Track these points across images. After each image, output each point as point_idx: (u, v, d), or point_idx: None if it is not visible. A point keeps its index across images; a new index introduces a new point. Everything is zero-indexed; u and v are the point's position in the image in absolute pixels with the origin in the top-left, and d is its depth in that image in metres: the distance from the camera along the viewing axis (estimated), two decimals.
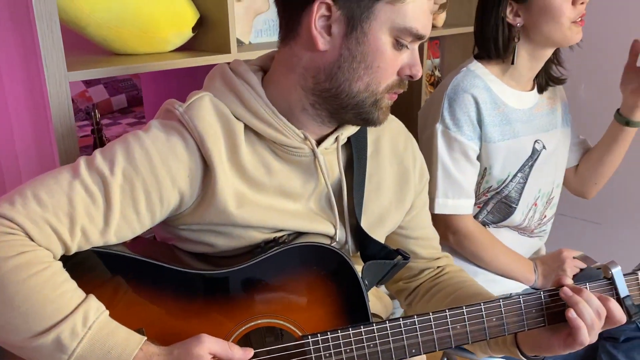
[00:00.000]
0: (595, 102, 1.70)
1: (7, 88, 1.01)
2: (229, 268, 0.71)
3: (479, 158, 1.21)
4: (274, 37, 1.48)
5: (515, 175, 1.24)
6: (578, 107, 1.74)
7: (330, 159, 0.80)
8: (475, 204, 1.26)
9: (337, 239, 0.81)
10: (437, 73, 1.98)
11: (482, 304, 0.75)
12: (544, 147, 1.26)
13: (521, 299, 0.76)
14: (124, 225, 0.70)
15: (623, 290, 0.76)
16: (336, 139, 0.80)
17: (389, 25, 0.71)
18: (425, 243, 0.97)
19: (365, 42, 0.72)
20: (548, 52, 1.21)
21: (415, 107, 1.70)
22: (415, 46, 0.75)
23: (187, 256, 0.78)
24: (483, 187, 1.24)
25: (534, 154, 1.25)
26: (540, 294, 0.76)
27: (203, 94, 0.75)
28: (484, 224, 1.28)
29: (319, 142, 0.79)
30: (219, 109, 0.75)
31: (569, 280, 0.77)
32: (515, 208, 1.26)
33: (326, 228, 0.80)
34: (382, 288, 1.01)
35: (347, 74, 0.72)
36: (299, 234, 0.78)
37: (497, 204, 1.26)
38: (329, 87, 0.74)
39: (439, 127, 1.18)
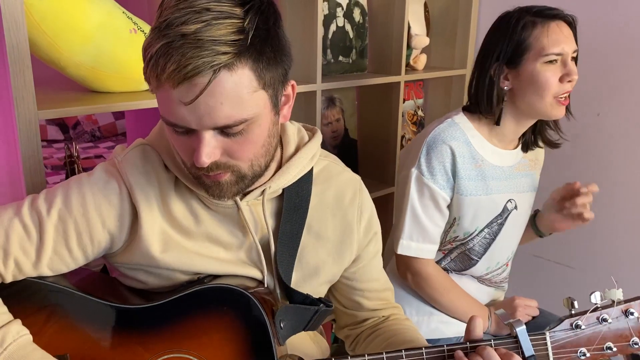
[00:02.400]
0: (570, 148, 1.73)
1: None
2: (149, 304, 0.78)
3: (449, 207, 1.24)
4: None
5: (482, 230, 1.26)
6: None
7: (259, 210, 0.84)
8: (440, 249, 1.29)
9: (266, 284, 0.85)
10: (420, 113, 2.04)
11: (403, 351, 0.78)
12: (515, 207, 1.29)
13: (424, 350, 0.78)
14: (57, 259, 0.77)
15: (528, 349, 0.78)
16: (262, 192, 0.83)
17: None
18: (372, 295, 0.98)
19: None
20: (531, 121, 1.24)
21: (391, 143, 1.76)
22: (192, 136, 0.70)
23: (124, 290, 0.84)
24: (450, 235, 1.27)
25: (504, 213, 1.27)
26: (444, 346, 0.79)
27: (141, 145, 0.82)
28: (446, 270, 1.31)
29: (246, 194, 0.83)
30: (152, 161, 0.81)
31: (478, 333, 0.80)
32: (477, 261, 1.28)
33: (255, 274, 0.84)
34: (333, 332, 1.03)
35: None
36: (222, 276, 0.82)
37: (460, 255, 1.29)
38: None
39: (414, 171, 1.21)
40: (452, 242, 1.28)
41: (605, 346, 0.79)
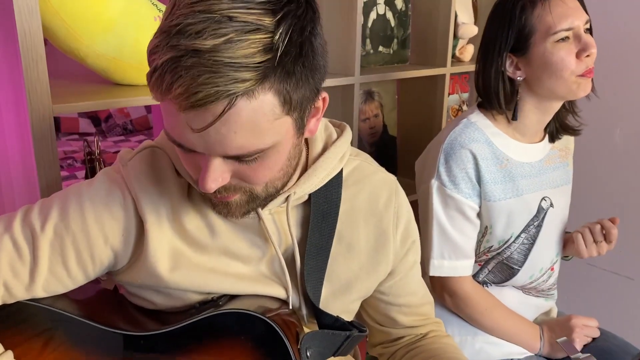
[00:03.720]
0: (633, 147, 1.58)
1: (4, 117, 1.02)
2: (156, 331, 0.68)
3: (479, 216, 1.12)
4: None
5: (518, 236, 1.15)
6: (612, 153, 1.62)
7: (282, 218, 0.75)
8: (475, 261, 1.17)
9: (291, 305, 0.75)
10: (465, 108, 1.90)
11: None
12: (551, 204, 1.17)
13: None
14: (53, 280, 0.68)
15: None
16: (287, 198, 0.73)
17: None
18: (409, 310, 0.88)
19: None
20: (556, 105, 1.12)
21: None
22: (200, 156, 0.60)
23: (131, 310, 0.75)
24: (484, 246, 1.16)
25: (540, 213, 1.16)
26: None
27: (149, 147, 0.73)
28: (485, 283, 1.19)
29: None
30: (161, 166, 0.71)
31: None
32: (519, 270, 1.16)
33: (278, 292, 0.75)
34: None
35: None
36: (241, 295, 0.73)
37: (498, 265, 1.18)
38: None
39: (434, 183, 1.10)
40: (487, 252, 1.16)
41: None
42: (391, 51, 1.60)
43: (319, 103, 0.65)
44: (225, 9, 0.53)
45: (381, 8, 1.53)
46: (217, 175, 0.60)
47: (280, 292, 0.75)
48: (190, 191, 0.72)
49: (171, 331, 0.68)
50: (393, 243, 0.81)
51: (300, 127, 0.63)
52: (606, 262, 1.73)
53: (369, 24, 1.52)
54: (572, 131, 1.20)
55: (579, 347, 1.12)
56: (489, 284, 1.19)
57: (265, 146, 0.59)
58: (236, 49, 0.52)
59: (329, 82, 1.33)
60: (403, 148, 1.73)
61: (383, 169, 0.84)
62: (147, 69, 1.08)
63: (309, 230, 0.74)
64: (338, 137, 0.78)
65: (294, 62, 0.55)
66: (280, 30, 0.54)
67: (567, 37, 1.03)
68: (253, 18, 0.53)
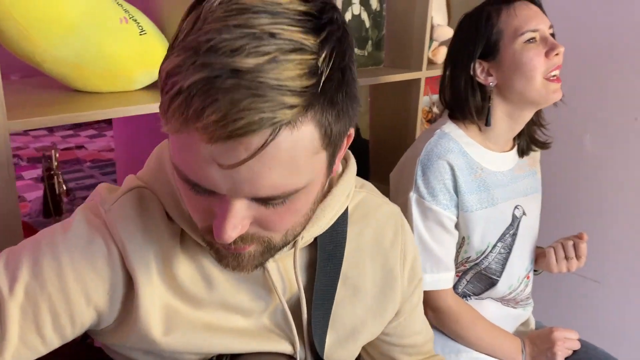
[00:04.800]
0: (603, 153, 1.60)
1: None
2: None
3: (456, 227, 1.11)
4: None
5: (495, 246, 1.14)
6: (583, 160, 1.64)
7: (287, 264, 0.68)
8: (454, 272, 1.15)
9: (298, 358, 0.69)
10: (435, 109, 1.88)
11: None
12: (524, 213, 1.17)
13: None
14: (24, 350, 0.58)
15: None
16: (294, 243, 0.65)
17: (171, 160, 0.52)
18: (413, 350, 0.83)
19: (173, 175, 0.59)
20: (527, 113, 1.12)
21: (408, 145, 1.60)
22: (217, 199, 0.51)
23: None
24: (462, 257, 1.14)
25: (514, 221, 1.16)
26: None
27: (133, 187, 0.63)
28: (465, 295, 1.18)
29: None
30: (150, 210, 0.62)
31: None
32: (498, 280, 1.16)
33: (283, 347, 0.68)
34: None
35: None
36: (243, 355, 0.66)
37: (476, 275, 1.16)
38: None
39: (412, 195, 1.08)
40: (465, 263, 1.15)
41: None
42: (366, 53, 1.54)
43: (348, 139, 0.58)
44: (265, 24, 0.45)
45: (356, 8, 1.47)
46: (238, 221, 0.50)
47: (286, 347, 0.68)
48: (182, 239, 0.63)
49: None
50: (401, 282, 0.75)
51: (331, 164, 0.55)
52: None
53: None
54: (542, 145, 1.21)
55: (561, 359, 1.12)
56: (469, 297, 1.18)
57: (301, 186, 0.51)
58: (282, 70, 0.44)
59: None
60: (375, 152, 1.69)
61: (387, 199, 0.79)
62: (113, 75, 1.01)
63: (316, 275, 0.68)
64: (344, 169, 0.71)
65: (337, 90, 0.48)
66: (325, 53, 0.47)
67: (534, 39, 1.05)
68: (297, 36, 0.46)
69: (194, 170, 0.49)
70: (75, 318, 0.59)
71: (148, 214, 0.61)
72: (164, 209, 0.62)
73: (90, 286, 0.59)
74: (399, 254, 0.75)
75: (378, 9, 1.53)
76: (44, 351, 0.60)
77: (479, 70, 1.09)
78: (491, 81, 1.09)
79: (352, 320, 0.72)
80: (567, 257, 1.15)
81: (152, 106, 1.00)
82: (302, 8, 0.47)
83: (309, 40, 0.46)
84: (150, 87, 1.09)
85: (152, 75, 1.07)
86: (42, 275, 0.58)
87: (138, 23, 1.03)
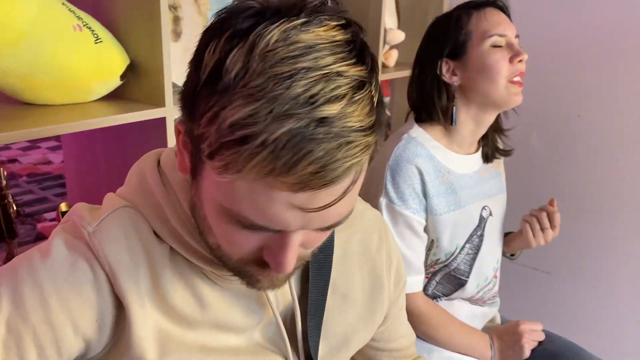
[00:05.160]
0: (550, 150, 1.67)
1: None
2: None
3: (425, 230, 1.13)
4: None
5: (463, 247, 1.16)
6: (530, 158, 1.70)
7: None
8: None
9: None
10: (387, 112, 1.90)
11: None
12: (490, 213, 1.20)
13: None
14: None
15: None
16: None
17: (216, 193, 0.50)
18: (399, 354, 0.83)
19: (202, 199, 0.53)
20: (489, 117, 1.15)
21: None
22: (272, 234, 0.50)
23: None
24: (431, 259, 1.16)
25: (481, 222, 1.19)
26: None
27: (119, 207, 0.59)
28: (435, 296, 1.20)
29: None
30: (137, 228, 0.58)
31: None
32: (466, 281, 1.18)
33: None
34: None
35: (200, 223, 0.55)
36: None
37: (445, 276, 1.19)
38: (198, 227, 0.57)
39: (383, 201, 1.09)
40: (434, 265, 1.17)
41: None
42: None
43: None
44: (332, 64, 0.44)
45: None
46: (296, 250, 0.51)
47: None
48: (172, 257, 0.60)
49: None
50: (387, 287, 0.75)
51: None
52: (525, 257, 1.82)
53: None
54: (504, 152, 1.25)
55: (527, 352, 1.16)
56: (439, 298, 1.20)
57: (352, 211, 0.52)
58: (359, 110, 0.45)
59: None
60: None
61: (369, 205, 0.78)
62: (68, 86, 0.96)
63: (310, 285, 0.67)
64: None
65: (383, 115, 0.49)
66: (374, 81, 0.47)
67: (500, 44, 1.08)
68: (355, 71, 0.45)
69: (263, 214, 0.47)
70: (62, 350, 0.55)
71: (135, 234, 0.58)
72: (151, 228, 0.59)
73: (77, 314, 0.55)
74: (384, 258, 0.75)
75: None
76: None
77: (445, 69, 1.11)
78: (455, 80, 1.11)
79: (343, 328, 0.71)
80: (542, 229, 1.19)
81: (111, 118, 0.96)
82: (345, 37, 0.47)
83: (363, 71, 0.46)
84: (106, 97, 1.04)
85: (109, 85, 1.02)
86: (24, 305, 0.54)
87: (93, 31, 0.98)
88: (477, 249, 1.18)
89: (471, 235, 1.17)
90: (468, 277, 1.18)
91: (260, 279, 0.56)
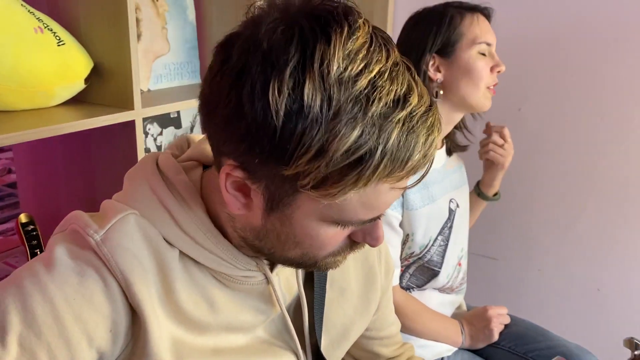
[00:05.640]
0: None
1: None
2: None
3: (401, 225, 1.16)
4: (175, 82, 1.32)
5: (435, 239, 1.21)
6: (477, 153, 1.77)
7: (288, 274, 0.67)
8: None
9: None
10: None
11: None
12: (457, 205, 1.25)
13: None
14: None
15: None
16: None
17: (318, 214, 0.53)
18: (390, 341, 0.86)
19: (289, 225, 0.54)
20: (458, 116, 1.20)
21: None
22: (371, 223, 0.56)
23: None
24: (405, 253, 1.19)
25: (451, 215, 1.23)
26: None
27: (126, 214, 0.57)
28: (409, 287, 1.23)
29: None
30: (146, 235, 0.56)
31: None
32: (439, 271, 1.22)
33: (286, 357, 0.66)
34: None
35: (276, 243, 0.57)
36: None
37: (419, 268, 1.22)
38: (259, 246, 0.58)
39: None
40: (408, 258, 1.21)
41: None
42: None
43: None
44: (386, 59, 0.49)
45: None
46: None
47: (288, 357, 0.66)
48: (182, 260, 0.58)
49: None
50: (380, 277, 0.77)
51: None
52: (473, 246, 1.90)
53: None
54: (462, 148, 1.30)
55: (496, 335, 1.22)
56: (412, 289, 1.23)
57: None
58: (419, 90, 0.51)
59: None
60: None
61: None
62: (30, 91, 0.92)
63: (315, 279, 0.68)
64: None
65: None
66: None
67: (484, 53, 1.13)
68: (394, 55, 0.50)
69: (376, 209, 0.53)
70: None
71: (145, 241, 0.56)
72: (160, 234, 0.57)
73: (91, 327, 0.53)
74: (375, 250, 0.77)
75: None
76: None
77: (430, 64, 1.13)
78: (439, 78, 1.13)
79: (342, 320, 0.73)
80: (503, 147, 1.28)
81: (79, 123, 0.92)
82: (370, 29, 0.50)
83: (395, 53, 0.51)
84: (68, 102, 1.00)
85: (73, 89, 0.97)
86: (36, 322, 0.51)
87: (54, 33, 0.93)
88: (447, 240, 1.23)
89: (442, 228, 1.21)
90: (440, 267, 1.22)
91: (331, 263, 0.60)
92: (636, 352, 0.74)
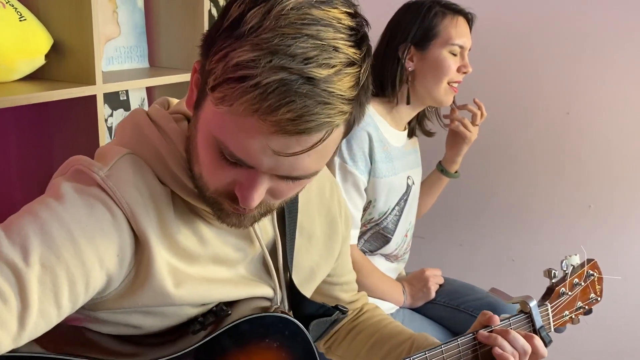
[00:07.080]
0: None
1: None
2: (175, 353, 0.63)
3: (365, 191, 1.27)
4: (126, 65, 1.35)
5: (393, 209, 1.33)
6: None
7: (265, 220, 0.74)
8: None
9: (279, 300, 0.76)
10: None
11: (426, 352, 0.77)
12: (413, 182, 1.38)
13: (459, 341, 0.79)
14: (42, 323, 0.55)
15: (538, 322, 0.83)
16: None
17: (210, 125, 0.57)
18: (348, 287, 0.94)
19: (196, 132, 0.60)
20: (422, 107, 1.34)
21: None
22: (245, 171, 0.58)
23: (109, 341, 0.66)
24: (365, 218, 1.30)
25: (407, 189, 1.36)
26: (472, 335, 0.80)
27: (124, 153, 0.64)
28: (362, 252, 1.34)
29: None
30: (143, 173, 0.63)
31: (496, 320, 0.82)
32: (391, 238, 1.34)
33: (264, 291, 0.75)
34: None
35: (191, 159, 0.63)
36: (235, 302, 0.71)
37: (373, 234, 1.33)
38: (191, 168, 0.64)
39: (336, 160, 1.22)
40: (366, 224, 1.33)
41: (577, 306, 0.90)
42: None
43: None
44: (331, 39, 0.53)
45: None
46: (262, 191, 0.58)
47: (266, 291, 0.75)
48: (173, 200, 0.65)
49: (196, 349, 0.63)
50: (340, 227, 0.86)
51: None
52: None
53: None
54: (428, 134, 1.43)
55: (433, 293, 1.35)
56: (365, 253, 1.34)
57: (321, 168, 0.60)
58: (343, 81, 0.53)
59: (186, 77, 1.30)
60: None
61: None
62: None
63: (286, 226, 0.76)
64: None
65: (366, 96, 0.58)
66: (365, 65, 0.56)
67: (455, 53, 1.25)
68: (351, 51, 0.54)
69: (242, 148, 0.55)
70: (89, 284, 0.58)
71: (142, 178, 0.63)
72: (154, 172, 0.64)
73: (102, 250, 0.59)
74: (336, 202, 0.86)
75: None
76: (55, 322, 0.57)
77: (406, 53, 1.25)
78: (410, 66, 1.26)
79: (309, 263, 0.82)
80: (474, 123, 1.40)
81: (33, 96, 0.93)
82: (351, 23, 0.55)
83: (357, 55, 0.55)
84: (28, 77, 1.01)
85: (34, 63, 1.00)
86: (55, 243, 0.56)
87: (16, 9, 0.95)
88: (401, 212, 1.35)
89: (400, 199, 1.34)
90: (392, 235, 1.34)
91: (230, 215, 0.63)
92: (553, 280, 0.88)
